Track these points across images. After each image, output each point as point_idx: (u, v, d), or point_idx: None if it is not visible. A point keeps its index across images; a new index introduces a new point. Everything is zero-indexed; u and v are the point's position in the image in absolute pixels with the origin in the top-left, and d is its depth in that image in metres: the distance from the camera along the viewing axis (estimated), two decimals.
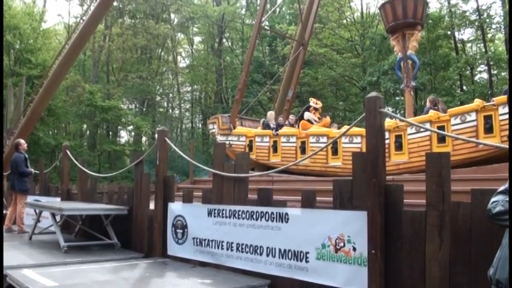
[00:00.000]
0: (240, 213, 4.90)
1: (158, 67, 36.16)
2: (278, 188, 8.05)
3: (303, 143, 10.25)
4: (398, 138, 8.39)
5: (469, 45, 31.15)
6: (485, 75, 30.28)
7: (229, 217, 5.00)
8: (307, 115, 11.42)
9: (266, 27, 28.08)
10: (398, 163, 8.22)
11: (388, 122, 8.36)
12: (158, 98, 38.81)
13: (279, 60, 29.78)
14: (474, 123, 7.49)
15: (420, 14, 10.44)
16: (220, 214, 5.12)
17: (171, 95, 40.21)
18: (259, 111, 30.72)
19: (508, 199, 2.24)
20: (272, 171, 5.92)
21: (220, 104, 34.19)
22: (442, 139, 7.75)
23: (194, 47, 40.69)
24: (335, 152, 9.46)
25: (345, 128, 9.32)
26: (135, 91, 34.03)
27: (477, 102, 7.71)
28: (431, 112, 8.33)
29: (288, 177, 9.59)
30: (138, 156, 7.01)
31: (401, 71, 10.73)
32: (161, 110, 39.15)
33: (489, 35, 28.76)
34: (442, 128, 7.82)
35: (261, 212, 4.67)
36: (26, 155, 9.29)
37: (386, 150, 8.29)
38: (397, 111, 33.11)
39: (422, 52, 26.93)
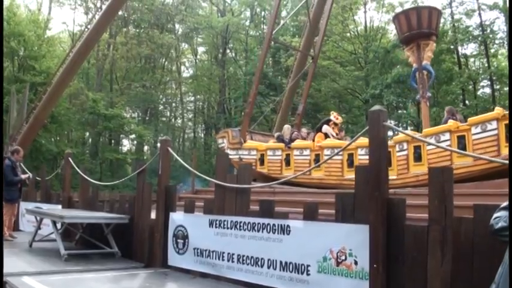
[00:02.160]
0: (241, 224, 4.90)
1: (162, 76, 36.34)
2: (280, 199, 8.04)
3: (317, 155, 10.00)
4: (417, 149, 8.25)
5: (472, 60, 31.25)
6: (488, 90, 30.35)
7: (231, 228, 5.00)
8: (325, 128, 11.09)
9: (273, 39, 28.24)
10: (418, 174, 8.05)
11: (449, 123, 8.27)
12: (161, 107, 38.94)
13: (282, 72, 29.92)
14: (495, 131, 7.35)
15: (435, 24, 10.35)
16: (222, 225, 5.12)
17: (174, 104, 40.36)
18: (262, 122, 30.71)
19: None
20: (275, 182, 5.89)
21: (223, 114, 34.26)
22: (462, 149, 7.56)
23: (198, 57, 40.88)
24: (351, 164, 9.23)
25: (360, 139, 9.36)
26: (138, 100, 34.15)
27: (498, 110, 7.63)
28: (451, 121, 8.19)
29: (290, 189, 9.56)
30: (140, 165, 7.02)
31: (417, 82, 10.60)
32: (164, 119, 39.24)
33: (492, 50, 28.86)
34: (462, 137, 7.68)
35: (263, 223, 4.67)
36: (17, 163, 9.16)
37: (405, 162, 8.30)
38: (400, 125, 33.22)
39: None
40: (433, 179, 3.54)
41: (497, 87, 29.01)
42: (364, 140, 8.61)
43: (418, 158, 8.21)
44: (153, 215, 6.34)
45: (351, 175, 9.18)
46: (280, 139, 11.63)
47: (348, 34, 32.04)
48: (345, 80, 30.15)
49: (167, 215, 5.94)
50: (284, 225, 4.49)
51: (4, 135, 17.81)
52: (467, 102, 29.31)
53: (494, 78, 27.56)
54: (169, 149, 6.28)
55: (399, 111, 30.32)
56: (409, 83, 13.25)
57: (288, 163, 10.63)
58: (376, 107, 4.00)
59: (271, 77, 29.78)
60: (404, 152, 8.35)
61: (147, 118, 36.21)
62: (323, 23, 15.44)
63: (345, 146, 5.83)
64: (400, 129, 5.47)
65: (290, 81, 16.40)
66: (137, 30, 35.52)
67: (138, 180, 6.86)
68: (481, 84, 30.31)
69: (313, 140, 10.83)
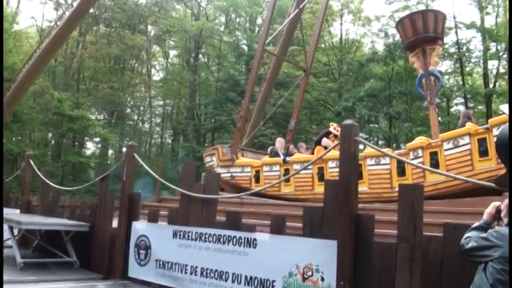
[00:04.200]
0: (206, 236, 4.82)
1: (131, 79, 35.85)
2: (249, 211, 7.96)
3: (321, 169, 9.51)
4: (434, 156, 8.01)
5: (446, 77, 32.10)
6: (461, 108, 31.15)
7: (195, 240, 4.92)
8: (325, 141, 10.63)
9: (246, 47, 28.13)
10: (436, 183, 7.82)
11: (421, 139, 8.34)
12: (128, 110, 38.40)
13: (256, 80, 30.01)
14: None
15: (441, 28, 10.32)
16: (186, 236, 5.03)
17: (142, 108, 39.85)
18: (232, 130, 30.67)
19: (481, 236, 2.26)
20: (246, 193, 5.85)
21: (191, 120, 34.03)
22: (484, 153, 7.39)
23: (169, 60, 40.60)
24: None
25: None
26: (105, 102, 33.57)
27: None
28: (469, 124, 7.96)
29: (259, 201, 9.48)
30: (103, 171, 6.86)
31: (423, 89, 10.48)
32: (131, 123, 38.68)
33: (467, 69, 29.65)
34: (483, 140, 7.44)
35: (229, 235, 4.61)
36: None
37: (420, 170, 8.11)
38: (372, 139, 33.74)
39: (399, 81, 27.66)
40: (403, 196, 3.57)
41: (471, 105, 29.85)
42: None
43: (435, 165, 7.89)
44: (115, 224, 6.19)
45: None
46: (274, 152, 11.24)
47: (323, 45, 32.43)
48: (317, 91, 30.51)
49: (129, 224, 5.80)
50: (250, 238, 4.44)
51: None
52: (440, 118, 29.99)
53: (468, 96, 28.32)
54: (135, 154, 6.16)
55: (371, 125, 30.78)
56: (416, 91, 13.07)
57: (287, 179, 9.90)
58: (349, 121, 4.03)
59: (244, 85, 29.79)
60: (420, 160, 8.21)
61: (113, 121, 35.60)
62: (316, 34, 15.26)
63: (313, 159, 5.83)
64: (372, 143, 5.42)
65: (262, 89, 16.38)
66: (108, 30, 34.97)
67: (100, 187, 6.69)
68: (455, 101, 31.14)
69: (313, 154, 10.43)
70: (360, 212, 4.01)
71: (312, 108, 31.94)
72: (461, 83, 29.15)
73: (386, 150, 8.33)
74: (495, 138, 2.21)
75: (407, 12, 21.96)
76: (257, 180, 10.65)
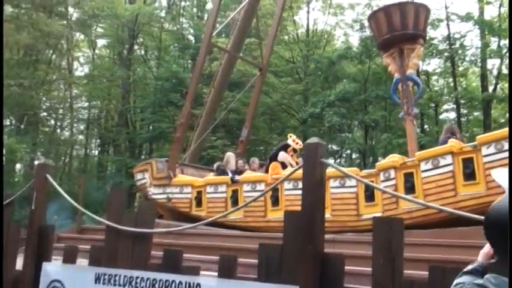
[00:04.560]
0: (138, 281, 4.72)
1: (46, 74, 35.01)
2: (191, 244, 7.91)
3: (275, 190, 9.48)
4: (409, 178, 8.13)
5: (434, 77, 32.84)
6: (452, 115, 31.71)
7: (124, 286, 4.81)
8: (282, 156, 10.69)
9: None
10: (411, 210, 7.79)
11: (393, 158, 8.44)
12: (43, 113, 37.40)
13: (204, 78, 29.94)
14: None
15: (422, 25, 10.38)
16: (112, 281, 4.91)
17: (60, 111, 38.90)
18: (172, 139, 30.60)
19: (477, 282, 2.23)
20: (188, 226, 5.77)
21: (124, 127, 33.59)
22: (470, 176, 7.54)
23: (97, 51, 40.02)
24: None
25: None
26: (11, 103, 32.56)
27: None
28: (452, 141, 8.14)
29: (203, 230, 9.38)
30: (7, 196, 6.61)
31: (399, 96, 10.58)
32: (46, 129, 37.70)
33: (460, 68, 30.43)
34: (469, 160, 7.62)
35: (166, 280, 4.53)
36: None
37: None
38: (344, 151, 34.33)
39: (377, 83, 28.29)
40: (379, 232, 3.58)
41: (465, 111, 30.31)
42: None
43: (410, 188, 8.08)
44: (19, 265, 5.97)
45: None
46: (221, 170, 11.24)
47: (286, 37, 32.83)
48: (279, 94, 30.80)
49: (39, 266, 5.60)
50: (193, 283, 4.37)
51: None
52: (426, 127, 30.68)
53: (461, 101, 28.97)
54: (49, 176, 5.97)
55: (343, 135, 31.27)
56: (390, 96, 13.31)
57: (235, 202, 9.98)
58: (314, 140, 4.05)
59: (190, 84, 29.71)
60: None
61: (22, 127, 34.57)
62: (274, 27, 15.37)
63: (273, 183, 5.84)
64: (344, 169, 5.42)
65: (213, 90, 16.37)
66: (16, 11, 34.08)
67: (4, 216, 6.44)
68: (445, 107, 31.89)
69: (267, 171, 10.44)
70: (328, 249, 4.03)
71: (272, 114, 32.25)
72: (452, 85, 29.91)
73: (352, 170, 8.43)
74: (486, 219, 2.17)
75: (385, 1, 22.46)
76: (198, 203, 10.69)
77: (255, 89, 15.54)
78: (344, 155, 36.10)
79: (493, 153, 7.27)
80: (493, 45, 27.39)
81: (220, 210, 10.07)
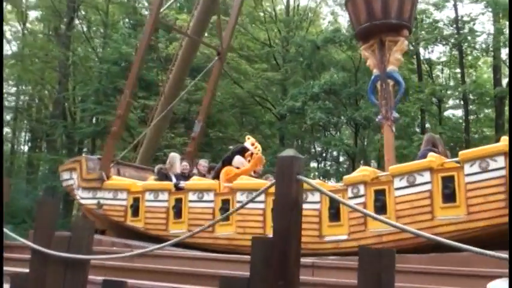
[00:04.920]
0: None
1: None
2: (137, 267, 7.87)
3: (226, 202, 9.66)
4: (380, 195, 8.23)
5: (438, 68, 32.91)
6: (459, 112, 31.84)
7: None
8: (238, 161, 10.76)
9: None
10: (381, 233, 7.96)
11: (364, 171, 8.57)
12: None
13: (160, 62, 29.85)
14: (502, 172, 7.32)
15: (408, 14, 10.42)
16: None
17: None
18: (124, 136, 30.40)
19: None
20: (135, 253, 5.78)
21: (60, 119, 33.14)
22: (449, 197, 7.64)
23: (28, 25, 39.49)
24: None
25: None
26: None
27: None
28: (432, 155, 8.20)
29: (164, 251, 9.36)
30: None
31: (377, 96, 10.67)
32: None
33: (469, 58, 30.47)
34: (449, 179, 7.76)
35: None
36: None
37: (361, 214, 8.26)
38: (329, 152, 34.36)
39: (370, 73, 28.12)
40: (365, 265, 3.60)
41: (473, 107, 30.06)
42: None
43: (381, 208, 8.11)
44: None
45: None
46: (162, 174, 11.25)
47: (262, 15, 32.63)
48: (252, 83, 30.59)
49: None
50: None
51: None
52: (428, 126, 30.60)
53: (470, 96, 28.89)
54: None
55: (327, 134, 31.23)
56: (366, 96, 13.44)
57: (178, 214, 10.13)
58: (289, 152, 4.02)
59: (143, 70, 29.52)
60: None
61: None
62: (236, 5, 15.43)
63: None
64: (322, 188, 5.44)
65: (171, 77, 16.27)
66: None
67: None
68: (450, 103, 31.92)
69: (217, 178, 10.57)
70: (307, 277, 4.10)
71: (244, 107, 32.04)
72: (460, 77, 29.97)
73: (319, 183, 8.57)
74: None
75: None
76: (135, 212, 10.71)
77: (211, 77, 15.58)
78: (329, 158, 36.11)
79: (477, 173, 7.41)
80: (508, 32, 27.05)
81: (160, 222, 10.30)
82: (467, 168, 7.49)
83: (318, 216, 8.54)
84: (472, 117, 30.66)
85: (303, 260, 6.08)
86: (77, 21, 35.79)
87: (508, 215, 2.08)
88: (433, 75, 31.95)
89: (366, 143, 30.52)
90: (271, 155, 27.12)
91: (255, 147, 11.03)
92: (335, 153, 33.57)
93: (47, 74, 35.69)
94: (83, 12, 36.09)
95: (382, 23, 10.25)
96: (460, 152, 7.93)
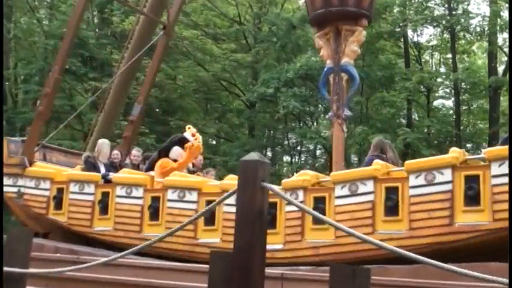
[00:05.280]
0: None
1: None
2: (93, 278, 7.81)
3: (156, 200, 9.74)
4: (320, 203, 8.34)
5: (428, 52, 33.19)
6: (449, 103, 32.24)
7: None
8: (176, 152, 10.84)
9: None
10: (318, 245, 8.18)
11: (305, 176, 8.63)
12: None
13: (115, 39, 29.57)
14: (449, 186, 7.51)
15: (367, 1, 10.56)
16: None
17: None
18: (74, 122, 30.01)
19: None
20: (86, 265, 5.71)
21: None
22: (392, 210, 7.82)
23: None
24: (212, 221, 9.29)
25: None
26: None
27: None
28: (377, 163, 8.41)
29: (111, 259, 9.25)
30: None
31: (329, 90, 10.86)
32: None
33: (462, 42, 30.76)
34: (393, 190, 7.89)
35: None
36: None
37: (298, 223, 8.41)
38: (302, 145, 34.41)
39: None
40: (336, 284, 3.64)
41: (464, 97, 30.37)
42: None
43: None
44: None
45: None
46: (89, 164, 11.26)
47: None
48: (218, 65, 30.51)
49: None
50: None
51: None
52: (415, 117, 30.81)
53: (462, 85, 29.13)
54: None
55: (303, 125, 31.26)
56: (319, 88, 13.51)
57: (104, 209, 10.24)
58: (253, 156, 4.06)
59: (94, 47, 29.23)
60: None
61: None
62: None
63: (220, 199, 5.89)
64: (289, 196, 5.47)
65: (126, 57, 16.10)
66: None
67: None
68: (440, 92, 32.44)
69: (152, 169, 10.70)
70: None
71: (208, 92, 32.03)
72: (451, 63, 30.28)
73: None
74: None
75: None
76: (58, 204, 10.77)
77: (155, 53, 15.59)
78: (304, 151, 36.17)
79: (422, 185, 7.59)
80: (506, 15, 27.07)
81: (85, 218, 10.38)
82: (413, 180, 7.68)
83: (300, 219, 8.47)
84: (463, 107, 30.91)
85: (272, 271, 6.11)
86: None
87: (508, 218, 2.03)
88: (422, 61, 32.07)
89: (345, 136, 30.55)
90: (239, 148, 27.15)
91: (196, 139, 11.03)
92: (311, 146, 33.54)
93: None
94: None
95: (338, 10, 10.40)
96: (406, 162, 8.21)
